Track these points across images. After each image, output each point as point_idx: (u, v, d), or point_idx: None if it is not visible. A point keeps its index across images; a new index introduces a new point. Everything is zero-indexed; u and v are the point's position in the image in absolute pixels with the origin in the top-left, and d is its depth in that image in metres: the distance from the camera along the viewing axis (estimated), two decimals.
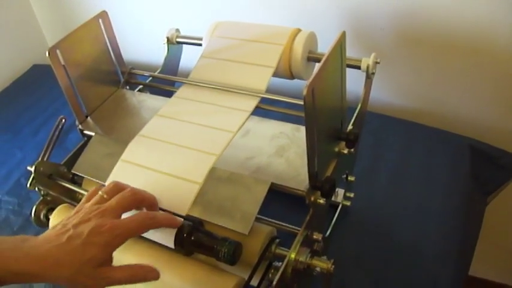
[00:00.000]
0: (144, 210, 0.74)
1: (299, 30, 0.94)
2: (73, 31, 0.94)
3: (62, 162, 0.96)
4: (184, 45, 1.14)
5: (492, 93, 1.23)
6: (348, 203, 1.08)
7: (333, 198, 1.03)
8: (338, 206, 1.07)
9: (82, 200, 0.73)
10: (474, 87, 1.24)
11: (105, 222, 0.65)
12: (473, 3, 1.09)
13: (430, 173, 1.17)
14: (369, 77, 0.90)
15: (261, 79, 0.92)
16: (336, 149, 0.84)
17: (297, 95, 0.86)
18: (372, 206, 1.11)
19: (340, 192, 1.07)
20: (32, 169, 0.91)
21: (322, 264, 0.76)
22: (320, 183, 0.75)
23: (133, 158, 0.85)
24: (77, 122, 0.99)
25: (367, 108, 0.97)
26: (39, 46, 1.95)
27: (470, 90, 1.25)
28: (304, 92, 0.63)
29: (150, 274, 0.68)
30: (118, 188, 0.73)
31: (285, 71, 0.94)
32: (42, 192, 0.93)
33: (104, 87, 1.05)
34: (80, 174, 0.93)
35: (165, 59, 1.11)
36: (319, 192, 0.77)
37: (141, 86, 1.11)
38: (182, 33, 1.11)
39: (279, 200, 0.86)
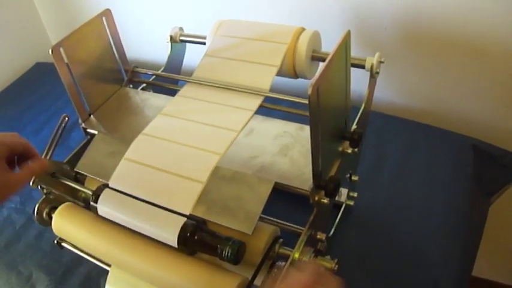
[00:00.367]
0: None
1: (303, 29, 0.94)
2: (76, 29, 0.94)
3: (64, 161, 0.96)
4: (187, 44, 1.13)
5: (495, 93, 1.23)
6: (352, 203, 1.08)
7: (336, 198, 1.03)
8: (341, 206, 1.06)
9: None
10: (477, 87, 1.24)
11: None
12: (478, 3, 1.08)
13: (433, 172, 1.16)
14: (373, 76, 0.89)
15: (264, 78, 0.92)
16: (340, 149, 0.84)
17: (300, 93, 0.86)
18: (375, 205, 1.11)
19: (343, 191, 1.07)
20: None
21: (325, 263, 0.76)
22: (324, 182, 0.75)
23: (136, 156, 0.85)
24: (80, 121, 0.99)
25: (371, 108, 0.96)
26: (42, 44, 1.95)
27: (474, 90, 1.25)
28: (309, 91, 0.63)
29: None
30: None
31: (288, 70, 0.94)
32: (44, 191, 0.92)
33: (107, 85, 1.05)
34: (83, 173, 0.93)
35: (169, 57, 1.11)
36: (323, 192, 0.77)
37: (144, 85, 1.11)
38: (185, 31, 1.11)
39: (282, 199, 0.86)
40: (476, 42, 1.15)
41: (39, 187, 0.91)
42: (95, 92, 1.01)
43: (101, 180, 0.88)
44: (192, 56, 1.12)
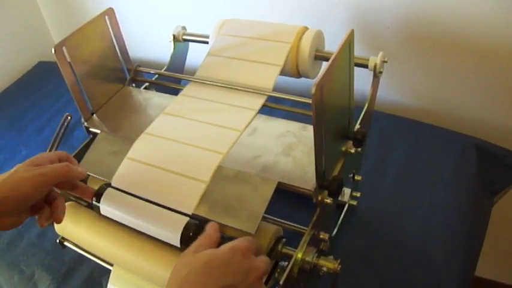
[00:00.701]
0: None
1: (306, 29, 0.94)
2: (79, 28, 0.94)
3: None
4: (190, 43, 1.13)
5: (498, 92, 1.23)
6: (355, 203, 1.08)
7: (339, 198, 1.03)
8: (344, 206, 1.06)
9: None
10: (481, 86, 1.24)
11: None
12: (482, 2, 1.08)
13: (436, 172, 1.16)
14: (376, 76, 0.89)
15: (268, 77, 0.92)
16: (343, 148, 0.84)
17: (303, 93, 0.86)
18: (378, 205, 1.10)
19: (346, 191, 1.07)
20: None
21: (328, 264, 0.76)
22: (327, 182, 0.75)
23: (139, 156, 0.85)
24: (82, 120, 0.99)
25: (374, 108, 0.96)
26: (45, 43, 1.96)
27: (477, 89, 1.25)
28: (313, 90, 0.63)
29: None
30: None
31: (292, 69, 0.94)
32: None
33: (109, 84, 1.05)
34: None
35: (171, 56, 1.11)
36: (326, 192, 0.77)
37: (147, 84, 1.11)
38: (188, 31, 1.11)
39: (285, 199, 0.86)
40: (480, 42, 1.15)
41: None
42: (97, 91, 1.01)
43: (103, 179, 0.88)
44: (195, 55, 1.12)
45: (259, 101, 0.90)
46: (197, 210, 0.75)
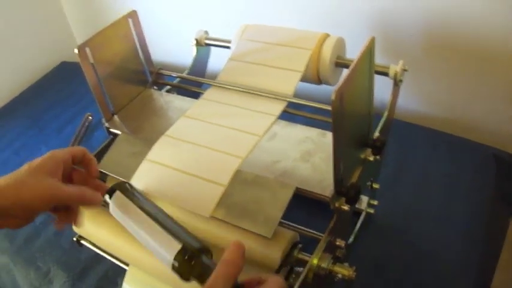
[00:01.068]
0: None
1: (327, 35, 0.94)
2: (102, 29, 0.95)
3: None
4: (212, 48, 1.14)
5: None
6: (372, 211, 1.08)
7: (357, 206, 1.03)
8: (361, 213, 1.06)
9: None
10: (500, 97, 1.23)
11: None
12: (505, 13, 1.08)
13: (454, 182, 1.16)
14: (397, 84, 0.89)
15: (288, 83, 0.92)
16: (362, 156, 0.84)
17: (323, 99, 0.86)
18: (396, 214, 1.10)
19: (364, 199, 1.07)
20: None
21: (344, 271, 0.75)
22: (345, 189, 0.75)
23: (158, 158, 0.85)
24: (103, 120, 1.00)
25: (394, 116, 0.96)
26: (68, 43, 1.98)
27: (496, 99, 1.24)
28: (333, 97, 0.63)
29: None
30: None
31: (312, 75, 0.94)
32: None
33: (131, 86, 1.06)
34: (105, 172, 0.93)
35: (193, 60, 1.11)
36: (343, 199, 0.77)
37: (168, 87, 1.11)
38: (210, 35, 1.12)
39: (302, 206, 0.86)
40: (501, 53, 1.14)
41: None
42: (119, 92, 1.02)
43: (122, 179, 0.88)
44: (217, 59, 1.12)
45: (279, 107, 0.91)
46: (215, 213, 0.76)
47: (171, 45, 1.66)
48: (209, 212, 0.75)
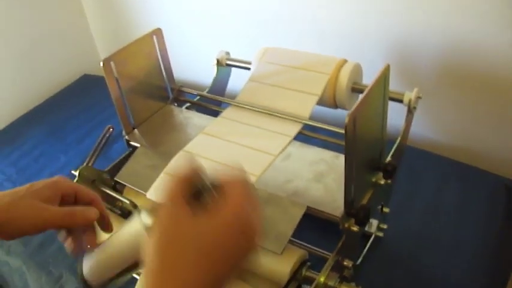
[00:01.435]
0: None
1: (345, 61, 0.96)
2: (127, 45, 0.97)
3: (105, 170, 0.99)
4: (232, 68, 1.16)
5: None
6: (381, 234, 1.09)
7: (366, 228, 1.04)
8: (371, 236, 1.07)
9: None
10: None
11: None
12: None
13: (464, 210, 1.16)
14: (411, 111, 0.90)
15: (305, 106, 0.94)
16: (373, 179, 0.85)
17: (338, 124, 0.88)
18: (405, 239, 1.10)
19: (374, 222, 1.08)
20: (77, 173, 0.94)
21: None
22: (355, 210, 0.77)
23: (175, 171, 0.87)
24: (123, 133, 1.02)
25: (406, 142, 0.97)
26: (90, 56, 2.01)
27: (509, 129, 1.25)
28: (346, 121, 0.65)
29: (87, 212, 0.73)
30: None
31: (329, 99, 0.96)
32: None
33: (153, 101, 1.09)
34: (123, 182, 0.96)
35: (214, 79, 1.14)
36: (353, 220, 0.79)
37: (188, 104, 1.14)
38: (231, 55, 1.14)
39: (313, 227, 0.88)
40: None
41: None
42: (140, 106, 1.05)
43: (139, 190, 0.91)
44: (236, 80, 1.15)
45: (295, 128, 0.93)
46: None
47: (193, 64, 1.68)
48: None
